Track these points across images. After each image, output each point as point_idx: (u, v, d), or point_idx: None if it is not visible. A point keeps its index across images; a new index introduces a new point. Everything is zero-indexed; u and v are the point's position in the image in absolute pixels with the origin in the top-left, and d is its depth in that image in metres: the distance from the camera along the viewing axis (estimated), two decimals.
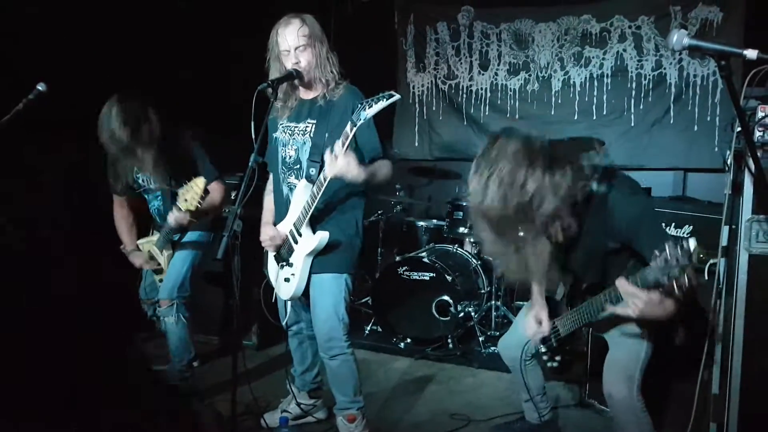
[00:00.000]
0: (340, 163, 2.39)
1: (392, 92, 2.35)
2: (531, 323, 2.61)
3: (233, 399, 2.55)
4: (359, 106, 2.38)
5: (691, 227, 3.00)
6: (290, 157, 2.76)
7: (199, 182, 2.93)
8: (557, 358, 2.65)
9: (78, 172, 3.11)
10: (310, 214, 2.63)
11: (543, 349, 2.66)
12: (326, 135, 2.61)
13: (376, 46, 5.80)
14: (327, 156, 2.44)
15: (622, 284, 2.04)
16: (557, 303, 2.64)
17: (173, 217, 3.05)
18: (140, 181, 3.29)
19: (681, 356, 2.70)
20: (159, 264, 3.37)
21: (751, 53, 1.74)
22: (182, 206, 2.97)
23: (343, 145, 2.39)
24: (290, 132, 2.77)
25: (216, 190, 3.22)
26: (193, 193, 2.93)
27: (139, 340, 4.11)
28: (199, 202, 2.93)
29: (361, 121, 2.37)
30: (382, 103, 2.35)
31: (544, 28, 5.49)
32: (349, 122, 2.39)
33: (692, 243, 1.84)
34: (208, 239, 3.42)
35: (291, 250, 2.76)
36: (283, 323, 3.01)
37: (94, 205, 3.34)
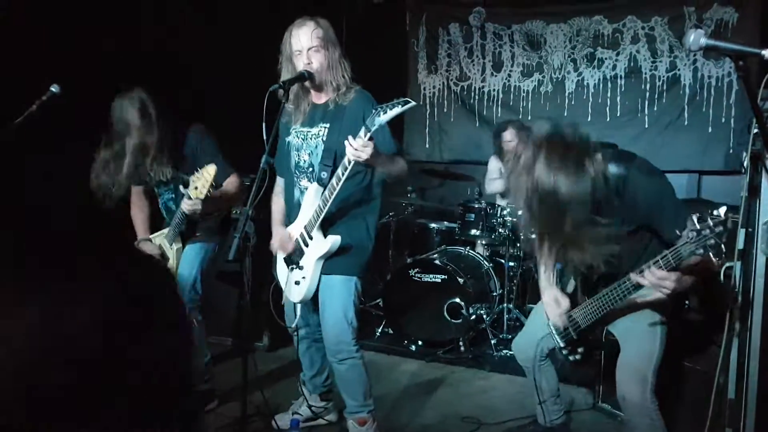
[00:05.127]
0: (359, 144, 2.37)
1: (407, 99, 2.35)
2: (551, 306, 2.56)
3: (244, 400, 2.54)
4: (373, 111, 2.37)
5: None
6: (304, 161, 2.77)
7: (210, 169, 2.88)
8: (579, 350, 2.58)
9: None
10: (322, 217, 2.63)
11: (562, 344, 2.61)
12: (338, 140, 2.60)
13: (387, 47, 5.79)
14: (350, 141, 2.40)
15: (651, 275, 2.05)
16: (569, 295, 2.58)
17: (185, 204, 3.01)
18: (152, 174, 3.27)
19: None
20: (168, 258, 3.34)
21: None
22: (192, 194, 2.92)
23: (365, 135, 2.37)
24: (303, 137, 2.77)
25: (231, 183, 3.20)
26: (203, 180, 2.88)
27: None
28: (210, 190, 2.87)
29: (375, 127, 2.36)
30: (397, 110, 2.34)
31: (556, 29, 5.46)
32: (363, 128, 2.38)
33: (723, 209, 1.85)
34: (215, 243, 3.38)
35: (301, 253, 2.75)
36: (292, 326, 2.97)
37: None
